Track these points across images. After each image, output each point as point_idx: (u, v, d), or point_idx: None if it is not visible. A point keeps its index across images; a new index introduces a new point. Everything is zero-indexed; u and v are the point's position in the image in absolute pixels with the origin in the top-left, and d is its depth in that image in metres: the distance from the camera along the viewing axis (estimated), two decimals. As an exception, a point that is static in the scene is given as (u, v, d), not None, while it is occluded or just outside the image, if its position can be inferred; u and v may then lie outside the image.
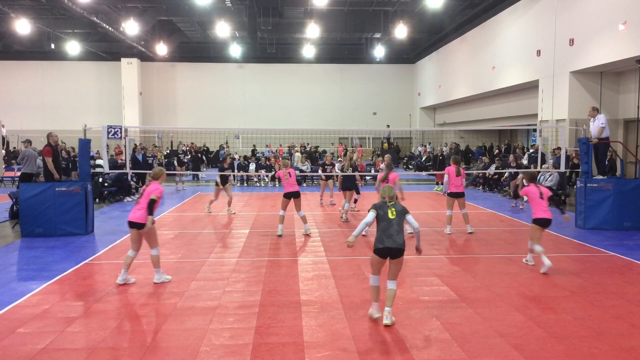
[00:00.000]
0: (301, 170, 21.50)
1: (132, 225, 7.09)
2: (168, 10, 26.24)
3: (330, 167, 16.53)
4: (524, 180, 8.55)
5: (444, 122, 33.88)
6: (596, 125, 11.94)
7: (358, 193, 13.73)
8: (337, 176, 14.39)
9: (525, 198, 11.12)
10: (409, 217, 5.74)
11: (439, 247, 9.71)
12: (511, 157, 17.41)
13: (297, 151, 27.75)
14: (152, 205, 6.99)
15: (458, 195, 10.72)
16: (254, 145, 30.00)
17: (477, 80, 25.43)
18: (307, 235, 10.66)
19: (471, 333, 5.46)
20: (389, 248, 5.50)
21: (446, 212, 10.95)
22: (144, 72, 35.79)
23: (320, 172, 16.56)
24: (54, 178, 11.29)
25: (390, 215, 5.59)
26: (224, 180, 13.62)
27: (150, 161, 18.13)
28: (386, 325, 5.51)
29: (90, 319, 5.88)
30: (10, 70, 35.03)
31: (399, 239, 5.53)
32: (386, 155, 13.14)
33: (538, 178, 16.12)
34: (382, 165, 13.44)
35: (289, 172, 10.71)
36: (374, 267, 5.70)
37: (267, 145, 31.00)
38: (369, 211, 5.71)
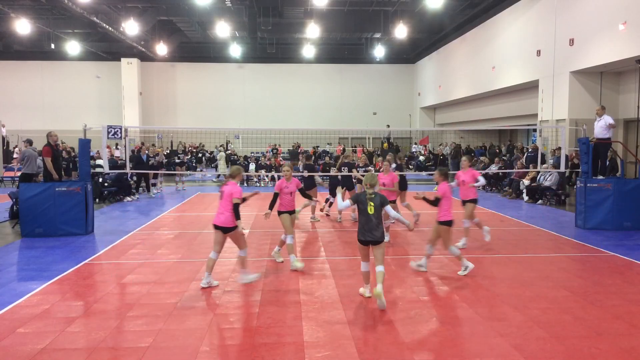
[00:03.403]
0: (299, 170, 21.44)
1: (218, 228, 6.97)
2: (168, 10, 26.25)
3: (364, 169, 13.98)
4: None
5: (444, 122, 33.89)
6: (601, 125, 11.91)
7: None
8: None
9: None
10: (388, 208, 6.29)
11: (439, 247, 9.68)
12: (519, 163, 17.61)
13: (222, 151, 24.64)
14: (237, 210, 6.87)
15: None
16: (276, 145, 29.80)
17: (477, 80, 25.42)
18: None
19: (471, 333, 5.46)
20: (369, 241, 6.26)
21: None
22: (144, 72, 35.79)
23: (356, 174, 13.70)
24: (53, 178, 11.27)
25: (369, 211, 6.15)
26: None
27: (151, 162, 17.99)
28: (377, 295, 5.96)
29: (90, 319, 5.88)
30: (10, 70, 35.02)
31: (377, 232, 6.20)
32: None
33: (538, 178, 16.19)
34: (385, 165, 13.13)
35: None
36: (361, 253, 6.44)
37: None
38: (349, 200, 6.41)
